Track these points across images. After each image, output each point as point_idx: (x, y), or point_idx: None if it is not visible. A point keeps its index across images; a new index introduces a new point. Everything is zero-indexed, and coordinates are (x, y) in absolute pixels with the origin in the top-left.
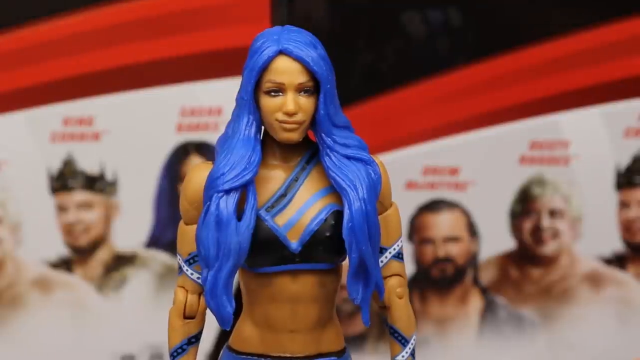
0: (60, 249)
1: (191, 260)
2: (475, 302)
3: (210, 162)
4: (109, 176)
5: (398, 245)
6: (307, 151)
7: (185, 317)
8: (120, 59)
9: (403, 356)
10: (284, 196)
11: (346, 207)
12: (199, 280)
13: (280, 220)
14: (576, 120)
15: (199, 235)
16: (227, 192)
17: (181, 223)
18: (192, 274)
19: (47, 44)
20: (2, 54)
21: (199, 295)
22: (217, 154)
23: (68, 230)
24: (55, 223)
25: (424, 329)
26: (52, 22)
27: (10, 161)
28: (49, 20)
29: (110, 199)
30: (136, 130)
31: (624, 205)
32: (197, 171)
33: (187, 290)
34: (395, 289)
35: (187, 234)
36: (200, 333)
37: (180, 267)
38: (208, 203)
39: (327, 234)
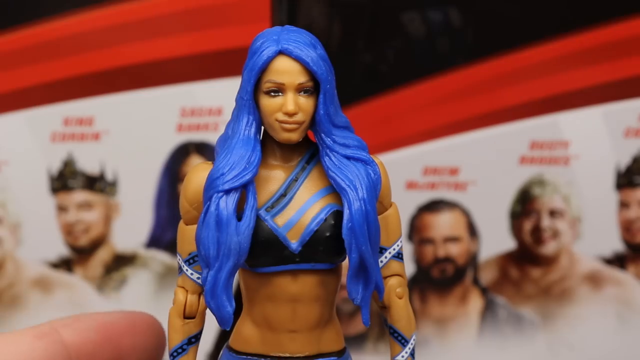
0: (60, 249)
1: (191, 260)
2: (475, 302)
3: (210, 162)
4: (109, 176)
5: (398, 246)
6: (307, 151)
7: (185, 317)
8: (120, 59)
9: (403, 356)
10: (283, 196)
11: (346, 207)
12: (199, 281)
13: (280, 220)
14: (576, 120)
15: (199, 235)
16: (227, 192)
17: (181, 223)
18: (192, 274)
19: (47, 44)
20: (2, 54)
21: (199, 295)
22: (217, 154)
23: (68, 230)
24: (55, 223)
25: (424, 329)
26: (52, 22)
27: (10, 161)
28: (49, 20)
29: (110, 199)
30: (136, 130)
31: (623, 205)
32: (197, 171)
33: (187, 290)
34: (395, 288)
35: (187, 234)
36: (200, 333)
37: (180, 267)
38: (208, 203)
39: (327, 234)
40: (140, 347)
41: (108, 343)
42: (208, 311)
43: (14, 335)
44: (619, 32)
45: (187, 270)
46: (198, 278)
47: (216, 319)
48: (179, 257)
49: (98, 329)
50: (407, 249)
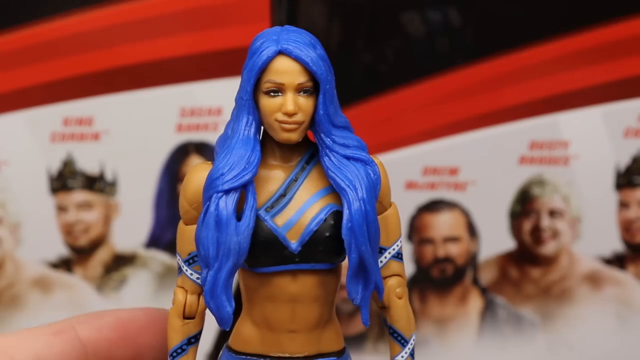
0: (60, 249)
1: (191, 261)
2: (475, 302)
3: (210, 163)
4: (109, 176)
5: (397, 246)
6: (307, 151)
7: (185, 317)
8: (120, 59)
9: (402, 356)
10: (283, 196)
11: (345, 207)
12: (199, 281)
13: (280, 220)
14: (576, 120)
15: (198, 235)
16: (227, 192)
17: (181, 223)
18: (191, 274)
19: (47, 44)
20: (2, 54)
21: (199, 295)
22: (217, 154)
23: (68, 230)
24: (55, 223)
25: (423, 329)
26: (52, 22)
27: (10, 161)
28: (49, 20)
29: (110, 199)
30: (136, 130)
31: (623, 205)
32: (197, 171)
33: (186, 291)
34: (394, 289)
35: (186, 234)
36: (199, 333)
37: (179, 267)
38: (207, 203)
39: (327, 234)
40: (158, 344)
41: (126, 340)
42: (208, 311)
43: (31, 331)
44: (619, 32)
45: (186, 270)
46: (197, 278)
47: (216, 319)
48: (178, 257)
49: (116, 326)
50: (407, 249)
